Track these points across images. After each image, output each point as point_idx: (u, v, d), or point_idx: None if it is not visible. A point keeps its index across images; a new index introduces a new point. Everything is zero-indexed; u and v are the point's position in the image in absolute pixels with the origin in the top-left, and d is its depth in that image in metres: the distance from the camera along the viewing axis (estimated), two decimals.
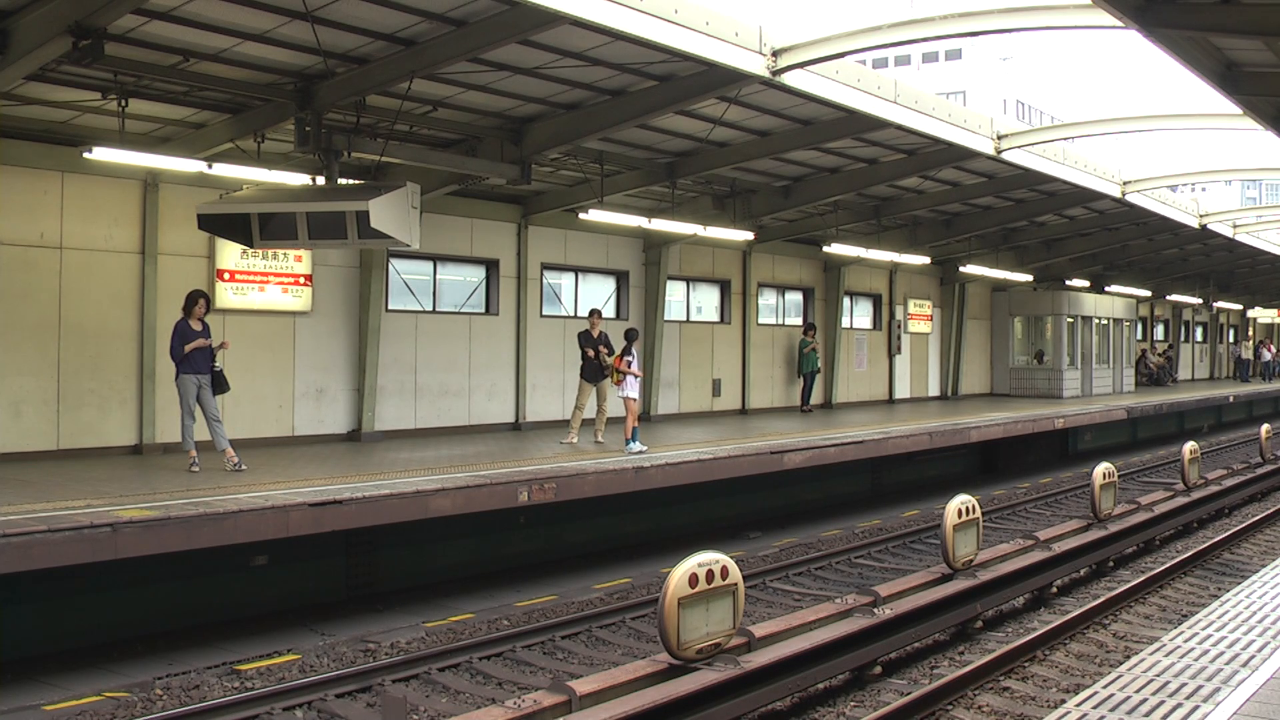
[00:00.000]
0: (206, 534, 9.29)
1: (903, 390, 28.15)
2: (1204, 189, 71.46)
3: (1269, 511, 16.92)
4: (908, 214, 22.63)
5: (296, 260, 15.30)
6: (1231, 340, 50.18)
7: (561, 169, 16.49)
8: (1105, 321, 32.92)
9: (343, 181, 12.71)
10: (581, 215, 17.07)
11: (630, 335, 15.34)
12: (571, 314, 19.69)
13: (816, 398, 24.11)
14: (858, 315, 27.00)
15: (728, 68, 11.65)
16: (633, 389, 14.89)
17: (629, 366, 14.81)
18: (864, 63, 15.14)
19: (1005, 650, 9.07)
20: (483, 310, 18.22)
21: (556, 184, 17.66)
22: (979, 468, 23.39)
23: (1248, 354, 47.08)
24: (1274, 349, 48.21)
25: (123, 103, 11.66)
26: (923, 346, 29.04)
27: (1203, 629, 7.00)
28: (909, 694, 8.09)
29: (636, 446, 14.46)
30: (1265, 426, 22.79)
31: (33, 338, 12.88)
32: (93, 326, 13.38)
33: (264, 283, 14.99)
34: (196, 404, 11.93)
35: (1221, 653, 6.42)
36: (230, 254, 14.47)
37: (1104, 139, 25.45)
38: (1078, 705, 5.46)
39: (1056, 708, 6.27)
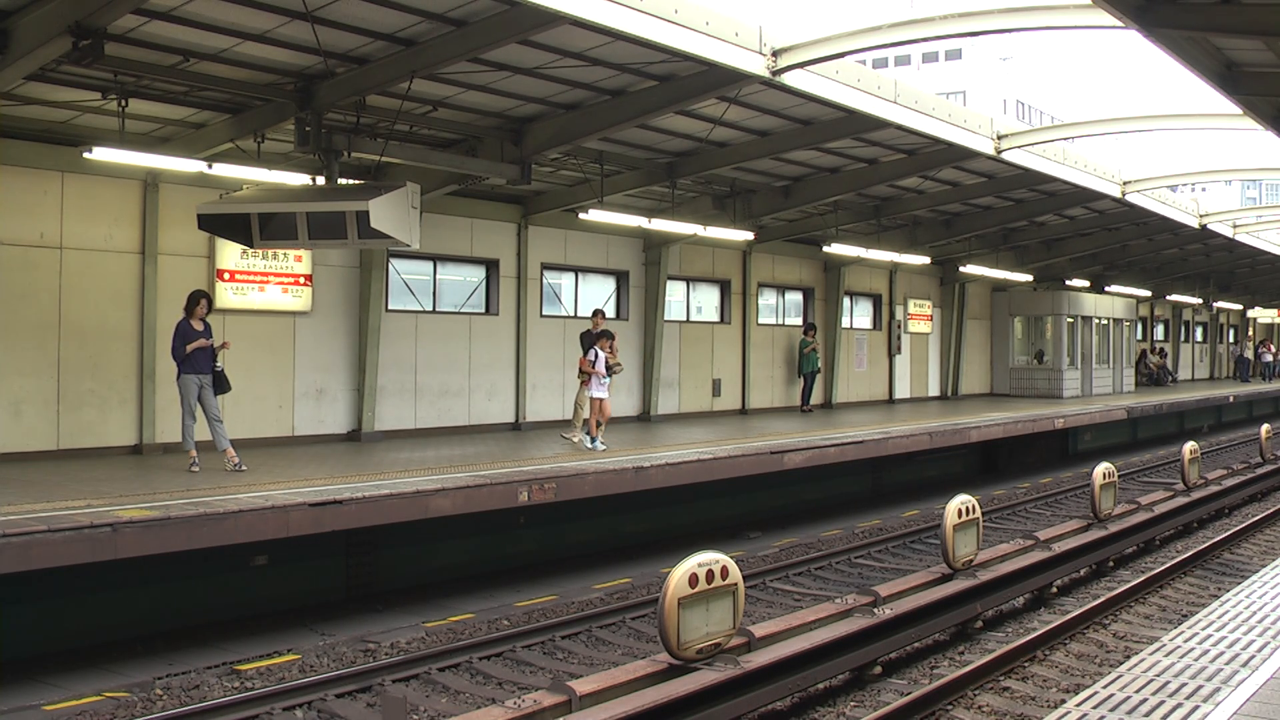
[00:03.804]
0: (206, 534, 9.29)
1: (903, 390, 28.15)
2: (1204, 189, 71.46)
3: (1269, 511, 16.92)
4: (908, 214, 22.62)
5: (296, 260, 15.30)
6: (1231, 340, 50.19)
7: (561, 169, 16.49)
8: (1105, 321, 32.92)
9: (343, 181, 12.71)
10: (581, 215, 17.07)
11: (592, 335, 15.35)
12: (572, 314, 19.69)
13: (816, 398, 24.11)
14: (858, 315, 27.00)
15: (728, 68, 11.65)
16: (599, 389, 14.89)
17: (593, 366, 14.83)
18: (864, 63, 15.14)
19: (1005, 650, 9.07)
20: (483, 310, 18.22)
21: (556, 184, 17.66)
22: (979, 468, 23.38)
23: (1249, 354, 47.10)
24: (1274, 349, 48.21)
25: (123, 103, 11.66)
26: (923, 346, 29.04)
27: (1203, 629, 7.00)
28: (909, 694, 8.08)
29: (598, 445, 14.61)
30: (1265, 426, 22.78)
31: (33, 338, 12.88)
32: (93, 326, 13.38)
33: (264, 283, 15.00)
34: (197, 404, 11.95)
35: (1221, 653, 6.42)
36: (230, 254, 14.48)
37: (1104, 139, 25.48)
38: (1078, 705, 5.46)
39: (1056, 708, 6.27)
